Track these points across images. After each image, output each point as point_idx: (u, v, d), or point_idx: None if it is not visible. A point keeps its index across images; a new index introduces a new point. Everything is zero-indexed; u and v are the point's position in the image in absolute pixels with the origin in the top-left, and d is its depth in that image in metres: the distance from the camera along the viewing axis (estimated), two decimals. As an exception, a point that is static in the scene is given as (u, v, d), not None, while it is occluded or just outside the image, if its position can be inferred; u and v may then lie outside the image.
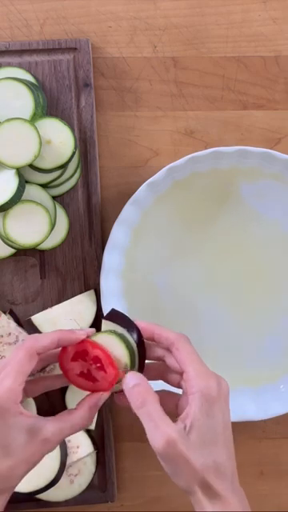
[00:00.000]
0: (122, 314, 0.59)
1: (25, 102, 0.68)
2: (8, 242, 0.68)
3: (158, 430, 0.52)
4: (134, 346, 0.57)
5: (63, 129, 0.68)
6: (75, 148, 0.68)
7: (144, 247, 0.74)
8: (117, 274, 0.73)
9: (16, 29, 0.75)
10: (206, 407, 0.53)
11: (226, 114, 0.77)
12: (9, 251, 0.71)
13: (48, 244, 0.71)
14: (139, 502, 0.77)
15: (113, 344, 0.57)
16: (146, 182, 0.70)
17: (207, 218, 0.74)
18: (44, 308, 0.73)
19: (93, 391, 0.57)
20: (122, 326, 0.58)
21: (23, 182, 0.67)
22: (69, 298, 0.73)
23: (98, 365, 0.56)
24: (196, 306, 0.76)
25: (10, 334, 0.70)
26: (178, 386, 0.58)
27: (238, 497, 0.55)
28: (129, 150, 0.76)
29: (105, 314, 0.60)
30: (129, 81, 0.76)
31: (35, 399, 0.72)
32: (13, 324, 0.71)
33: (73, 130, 0.73)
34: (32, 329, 0.72)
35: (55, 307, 0.72)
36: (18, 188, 0.66)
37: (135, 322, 0.58)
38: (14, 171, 0.66)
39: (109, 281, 0.72)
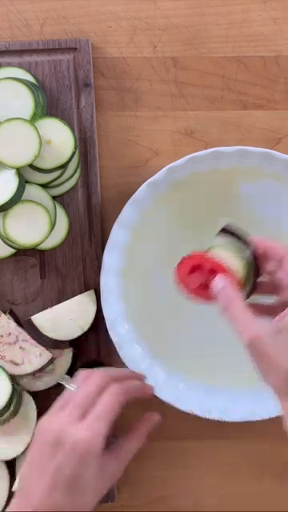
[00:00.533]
0: (237, 228, 0.60)
1: (25, 102, 0.68)
2: (8, 241, 0.68)
3: (245, 327, 0.52)
4: (250, 259, 0.58)
5: (63, 129, 0.68)
6: (75, 148, 0.68)
7: (144, 247, 0.74)
8: (117, 274, 0.73)
9: (16, 29, 0.75)
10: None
11: (225, 114, 0.77)
12: (9, 251, 0.71)
13: (48, 244, 0.71)
14: (139, 502, 0.77)
15: (228, 257, 0.58)
16: (146, 182, 0.70)
17: (207, 218, 0.74)
18: (44, 308, 0.73)
19: (207, 300, 0.59)
20: (237, 239, 0.59)
21: (23, 182, 0.67)
22: (69, 298, 0.73)
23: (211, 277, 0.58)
24: (195, 306, 0.76)
25: (10, 334, 0.70)
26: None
27: None
28: (129, 150, 0.76)
29: (221, 229, 0.61)
30: (129, 81, 0.76)
31: (35, 398, 0.72)
32: (13, 324, 0.71)
33: (73, 130, 0.73)
34: (32, 329, 0.72)
35: (55, 307, 0.72)
36: (18, 188, 0.66)
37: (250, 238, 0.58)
38: (13, 171, 0.66)
39: (109, 281, 0.72)
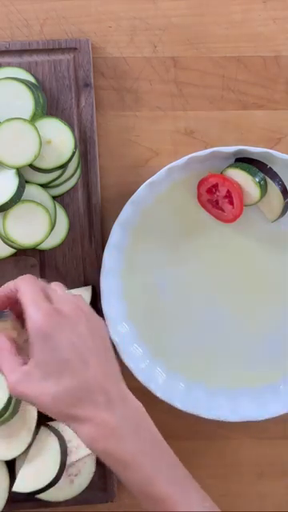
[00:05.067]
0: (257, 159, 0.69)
1: (25, 102, 0.68)
2: (8, 241, 0.68)
3: (6, 377, 0.53)
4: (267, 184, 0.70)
5: (63, 129, 0.68)
6: (75, 148, 0.68)
7: (144, 247, 0.74)
8: (117, 274, 0.73)
9: (16, 29, 0.75)
10: (40, 341, 0.53)
11: (225, 114, 0.77)
12: (9, 251, 0.71)
13: (48, 244, 0.71)
14: (138, 501, 0.77)
15: (245, 179, 0.68)
16: (146, 182, 0.70)
17: (207, 218, 0.74)
18: (44, 308, 0.73)
19: (218, 219, 0.73)
20: (255, 166, 0.69)
21: (23, 182, 0.67)
22: (69, 298, 0.73)
23: (227, 200, 0.70)
24: (196, 306, 0.76)
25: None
26: None
27: (122, 409, 0.54)
28: (129, 150, 0.76)
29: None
30: (129, 81, 0.76)
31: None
32: None
33: (73, 129, 0.73)
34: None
35: None
36: (18, 188, 0.66)
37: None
38: (14, 171, 0.66)
39: (109, 281, 0.72)
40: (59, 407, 0.52)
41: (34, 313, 0.53)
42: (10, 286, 0.57)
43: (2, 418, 0.68)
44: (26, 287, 0.55)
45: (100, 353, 0.55)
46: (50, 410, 0.53)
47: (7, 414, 0.68)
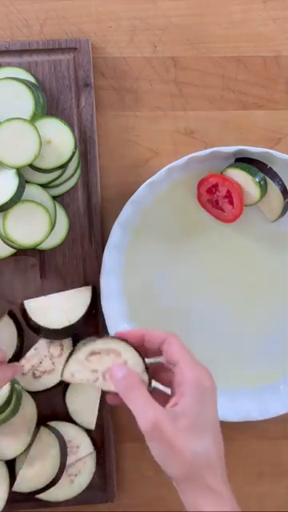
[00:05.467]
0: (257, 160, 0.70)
1: (25, 102, 0.68)
2: (8, 241, 0.68)
3: (145, 412, 0.52)
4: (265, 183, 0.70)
5: (63, 129, 0.68)
6: (75, 148, 0.68)
7: (144, 247, 0.74)
8: (117, 274, 0.73)
9: (16, 29, 0.75)
10: (198, 395, 0.53)
11: (225, 114, 0.77)
12: (9, 251, 0.71)
13: (48, 244, 0.71)
14: (139, 502, 0.77)
15: (245, 179, 0.68)
16: (146, 181, 0.70)
17: (207, 218, 0.74)
18: (44, 308, 0.74)
19: (218, 219, 0.73)
20: (255, 166, 0.69)
21: (23, 182, 0.67)
22: (69, 298, 0.73)
23: (227, 200, 0.70)
24: (196, 306, 0.76)
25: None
26: (168, 385, 0.58)
27: (230, 490, 0.53)
28: (129, 150, 0.76)
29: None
30: (129, 81, 0.76)
31: (35, 399, 0.72)
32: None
33: (73, 129, 0.73)
34: (21, 311, 0.72)
35: (50, 296, 0.72)
36: (18, 188, 0.66)
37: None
38: (14, 171, 0.66)
39: (109, 281, 0.72)
40: (195, 465, 0.51)
41: (198, 368, 0.55)
42: (160, 334, 0.58)
43: (3, 416, 0.68)
44: (181, 343, 0.57)
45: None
46: (182, 464, 0.51)
47: (8, 410, 0.68)
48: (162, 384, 0.59)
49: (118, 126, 0.76)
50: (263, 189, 0.70)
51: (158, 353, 0.58)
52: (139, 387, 0.54)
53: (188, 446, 0.51)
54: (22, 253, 0.73)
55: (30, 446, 0.70)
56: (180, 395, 0.53)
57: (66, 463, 0.71)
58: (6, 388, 0.67)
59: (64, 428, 0.72)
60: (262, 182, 0.70)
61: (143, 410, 0.52)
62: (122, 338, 0.57)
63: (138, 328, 0.59)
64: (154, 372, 0.59)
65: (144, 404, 0.52)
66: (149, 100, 0.76)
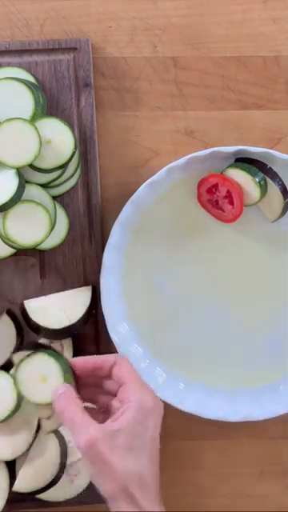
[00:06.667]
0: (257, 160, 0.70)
1: (25, 102, 0.68)
2: (8, 241, 0.68)
3: (81, 430, 0.53)
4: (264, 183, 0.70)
5: (63, 129, 0.68)
6: (75, 148, 0.68)
7: (144, 247, 0.74)
8: (117, 274, 0.73)
9: (16, 29, 0.75)
10: (140, 416, 0.54)
11: (225, 114, 0.77)
12: (9, 251, 0.71)
13: (48, 244, 0.71)
14: None
15: (245, 179, 0.67)
16: (146, 182, 0.70)
17: (207, 218, 0.74)
18: (44, 308, 0.73)
19: (218, 219, 0.73)
20: (255, 166, 0.70)
21: (23, 182, 0.67)
22: (69, 298, 0.73)
23: (227, 200, 0.70)
24: (195, 306, 0.76)
25: None
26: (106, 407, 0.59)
27: (162, 510, 0.54)
28: (129, 150, 0.76)
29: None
30: (129, 81, 0.76)
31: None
32: None
33: (73, 129, 0.73)
34: (21, 311, 0.72)
35: (50, 296, 0.72)
36: (18, 188, 0.66)
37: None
38: (14, 171, 0.66)
39: (109, 281, 0.72)
40: (126, 483, 0.52)
41: (143, 390, 0.56)
42: (111, 357, 0.59)
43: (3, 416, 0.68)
44: (130, 366, 0.58)
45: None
46: (114, 480, 0.52)
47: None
48: (99, 409, 0.60)
49: (117, 126, 0.76)
50: (263, 189, 0.70)
51: (109, 376, 0.59)
52: (74, 406, 0.55)
53: (122, 463, 0.52)
54: (22, 253, 0.73)
55: (30, 446, 0.70)
56: (121, 413, 0.54)
57: (65, 463, 0.71)
58: (13, 396, 0.67)
59: (64, 428, 0.72)
60: (262, 182, 0.70)
61: (79, 429, 0.53)
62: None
63: (90, 356, 0.61)
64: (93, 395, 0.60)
65: (79, 423, 0.54)
66: (149, 100, 0.76)
